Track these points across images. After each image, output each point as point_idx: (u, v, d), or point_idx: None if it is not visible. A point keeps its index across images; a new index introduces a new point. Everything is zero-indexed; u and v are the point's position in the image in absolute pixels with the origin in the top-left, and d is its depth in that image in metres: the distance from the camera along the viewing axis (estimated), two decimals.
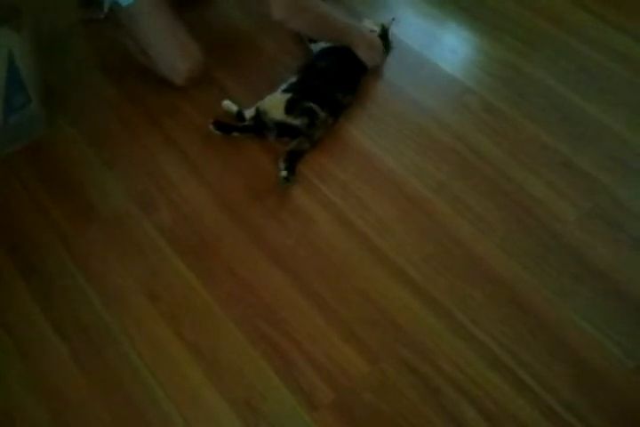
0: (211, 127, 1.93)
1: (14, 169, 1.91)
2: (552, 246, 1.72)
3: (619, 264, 1.69)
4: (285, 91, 1.92)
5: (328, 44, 2.09)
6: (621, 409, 1.47)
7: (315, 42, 2.14)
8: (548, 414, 1.45)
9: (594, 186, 1.84)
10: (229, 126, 1.94)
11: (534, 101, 2.05)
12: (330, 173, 1.86)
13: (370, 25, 2.16)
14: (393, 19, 2.19)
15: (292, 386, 1.49)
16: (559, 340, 1.56)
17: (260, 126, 1.92)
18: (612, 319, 1.59)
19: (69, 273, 1.70)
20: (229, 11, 2.36)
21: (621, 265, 1.69)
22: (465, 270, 1.68)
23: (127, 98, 2.09)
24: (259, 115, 1.90)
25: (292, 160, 1.85)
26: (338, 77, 2.00)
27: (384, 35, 2.14)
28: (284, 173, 1.81)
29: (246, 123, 1.93)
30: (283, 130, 1.89)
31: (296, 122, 1.87)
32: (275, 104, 1.89)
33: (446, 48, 2.24)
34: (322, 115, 1.89)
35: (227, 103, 1.98)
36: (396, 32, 2.19)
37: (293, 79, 1.98)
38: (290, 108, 1.87)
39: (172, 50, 1.99)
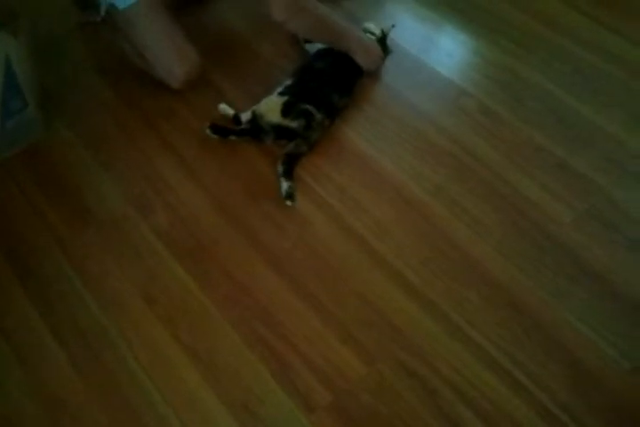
0: (207, 131, 1.93)
1: (11, 173, 1.91)
2: (548, 248, 1.72)
3: (614, 265, 1.69)
4: (281, 93, 1.93)
5: (324, 46, 2.09)
6: (617, 410, 1.47)
7: (310, 42, 2.14)
8: (543, 414, 1.46)
9: (589, 188, 1.84)
10: (226, 130, 1.95)
11: (530, 104, 2.05)
12: (327, 176, 1.87)
13: (371, 28, 2.16)
14: (393, 25, 2.20)
15: (289, 389, 1.49)
16: (555, 341, 1.56)
17: (256, 130, 1.92)
18: (607, 320, 1.60)
19: (66, 277, 1.70)
20: (226, 14, 2.36)
21: (617, 266, 1.69)
22: (461, 273, 1.68)
23: (124, 101, 2.09)
24: (255, 118, 1.90)
25: (290, 163, 1.85)
26: (334, 79, 2.00)
27: (382, 40, 2.15)
28: (284, 185, 1.81)
29: (243, 126, 1.94)
30: (279, 133, 1.90)
31: (293, 124, 1.87)
32: (271, 107, 1.89)
33: (443, 51, 2.25)
34: (318, 117, 1.89)
35: (223, 107, 1.98)
36: (393, 36, 2.19)
37: (289, 82, 1.98)
38: (286, 110, 1.87)
39: (168, 53, 1.99)
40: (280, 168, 1.83)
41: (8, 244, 1.77)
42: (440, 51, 2.25)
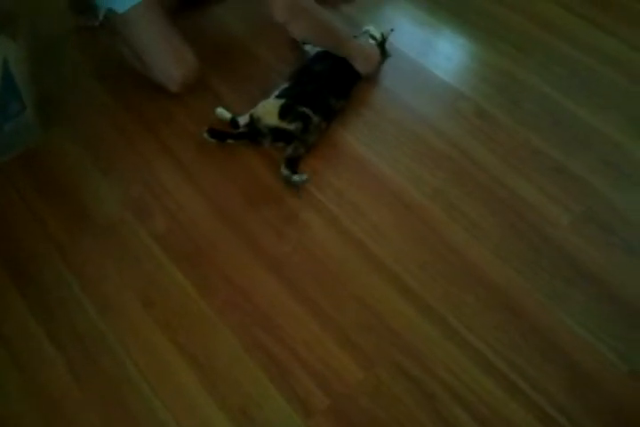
0: (205, 135, 1.93)
1: (9, 177, 1.91)
2: (545, 251, 1.73)
3: (611, 268, 1.70)
4: (279, 96, 1.93)
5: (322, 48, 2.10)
6: (615, 413, 1.47)
7: (310, 44, 2.15)
8: (541, 417, 1.46)
9: (586, 190, 1.85)
10: (224, 134, 1.95)
11: (527, 107, 2.06)
12: (325, 180, 1.87)
13: (371, 30, 2.16)
14: (392, 29, 2.20)
15: (288, 393, 1.50)
16: (552, 344, 1.57)
17: (254, 133, 1.92)
18: (605, 323, 1.60)
19: (65, 282, 1.70)
20: (224, 18, 2.36)
21: (614, 269, 1.69)
22: (459, 276, 1.69)
23: (122, 105, 2.09)
24: (252, 121, 1.90)
25: (292, 166, 1.85)
26: (331, 82, 2.01)
27: (382, 44, 2.15)
28: (296, 177, 1.83)
29: (240, 130, 1.94)
30: (277, 135, 1.90)
31: (290, 127, 1.87)
32: (268, 110, 1.89)
33: (441, 55, 2.25)
34: (315, 119, 1.89)
35: (220, 110, 1.98)
36: (392, 40, 2.20)
37: (286, 85, 1.98)
38: (283, 113, 1.87)
39: (166, 56, 2.00)
40: (285, 172, 1.84)
41: (7, 250, 1.77)
42: (438, 54, 2.26)
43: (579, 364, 1.54)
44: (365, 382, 1.52)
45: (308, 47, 2.15)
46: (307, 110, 1.89)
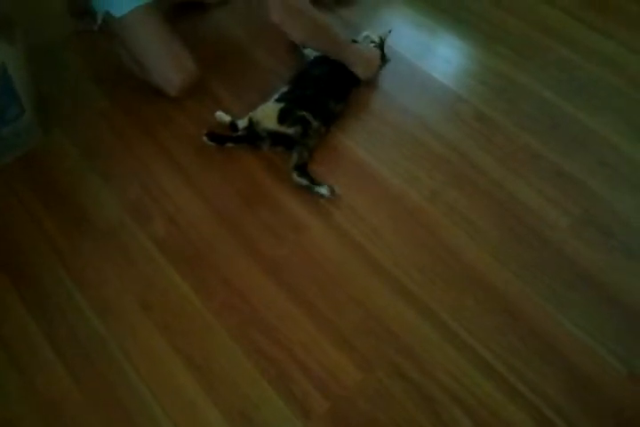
0: (204, 138, 1.93)
1: (8, 180, 1.91)
2: (544, 254, 1.73)
3: (611, 271, 1.69)
4: (278, 100, 1.93)
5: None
6: (614, 416, 1.47)
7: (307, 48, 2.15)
8: (540, 420, 1.46)
9: (585, 193, 1.85)
10: (223, 137, 1.95)
11: (525, 110, 2.06)
12: (324, 183, 1.86)
13: (370, 36, 2.17)
14: (389, 31, 2.21)
15: (286, 396, 1.49)
16: (551, 347, 1.57)
17: (253, 136, 1.92)
18: (604, 326, 1.60)
19: (65, 286, 1.69)
20: (223, 22, 2.37)
21: (613, 272, 1.69)
22: (458, 279, 1.69)
23: (121, 108, 2.09)
24: (252, 125, 1.90)
25: (306, 172, 1.85)
26: (330, 86, 2.01)
27: (380, 47, 2.16)
28: (322, 190, 1.82)
29: (239, 133, 1.94)
30: (276, 139, 1.90)
31: (289, 131, 1.87)
32: (267, 114, 1.90)
33: (440, 58, 2.26)
34: (315, 123, 1.89)
35: (219, 114, 1.98)
36: (390, 43, 2.21)
37: (285, 89, 1.98)
38: (282, 117, 1.87)
39: (165, 60, 2.00)
40: (302, 180, 1.83)
41: (5, 252, 1.77)
42: (437, 57, 2.26)
43: (578, 367, 1.54)
44: (364, 385, 1.51)
45: (307, 51, 2.15)
46: (306, 114, 1.89)
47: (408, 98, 2.10)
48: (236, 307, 1.64)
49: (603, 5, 2.40)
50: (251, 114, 1.92)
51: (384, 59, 2.18)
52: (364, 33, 2.19)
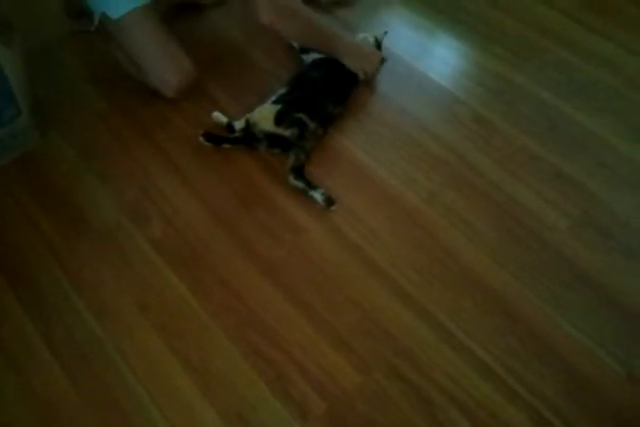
0: (201, 139, 1.93)
1: (5, 182, 1.91)
2: (543, 255, 1.72)
3: (610, 272, 1.69)
4: (275, 102, 1.93)
5: (320, 56, 2.10)
6: (613, 417, 1.47)
7: (306, 53, 2.14)
8: (539, 421, 1.45)
9: (584, 194, 1.84)
10: (220, 138, 1.95)
11: (523, 111, 2.06)
12: (322, 185, 1.85)
13: (366, 38, 2.17)
14: (385, 32, 2.21)
15: (284, 397, 1.49)
16: (550, 348, 1.56)
17: (250, 138, 1.92)
18: (603, 327, 1.59)
19: (62, 287, 1.69)
20: (220, 23, 2.37)
21: (612, 273, 1.69)
22: (456, 281, 1.68)
23: (118, 110, 2.09)
24: (248, 126, 1.90)
25: (302, 175, 1.84)
26: (328, 88, 2.01)
27: (377, 48, 2.16)
28: (316, 195, 1.81)
29: (236, 134, 1.94)
30: (273, 141, 1.90)
31: (286, 133, 1.87)
32: (264, 115, 1.89)
33: (437, 59, 2.26)
34: (311, 126, 1.89)
35: (216, 115, 1.98)
36: (387, 44, 2.20)
37: (283, 90, 1.98)
38: (279, 119, 1.87)
39: (161, 62, 1.99)
40: (298, 183, 1.83)
41: (2, 253, 1.77)
42: (434, 58, 2.26)
43: (576, 368, 1.53)
44: (362, 387, 1.51)
45: (304, 57, 2.15)
46: (303, 116, 1.88)
47: (406, 99, 2.10)
48: (234, 308, 1.64)
49: (601, 7, 2.40)
50: (248, 115, 1.92)
51: (381, 60, 2.17)
52: (361, 35, 2.19)
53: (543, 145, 1.96)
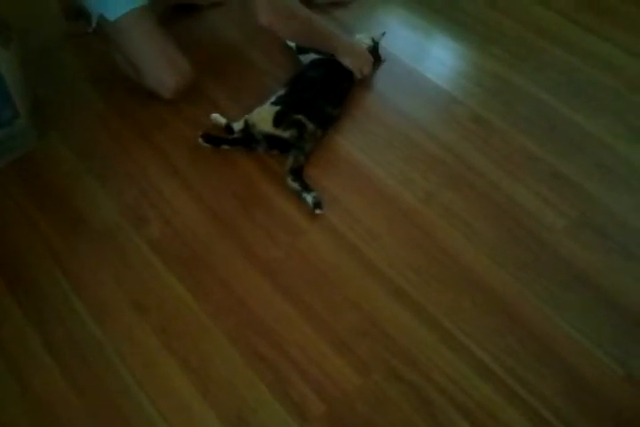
0: (200, 140, 1.93)
1: (4, 184, 1.91)
2: (541, 256, 1.72)
3: (608, 272, 1.69)
4: (274, 103, 1.93)
5: (318, 56, 2.10)
6: (612, 417, 1.46)
7: (304, 53, 2.15)
8: (538, 422, 1.45)
9: (582, 195, 1.85)
10: (218, 139, 1.95)
11: (521, 112, 2.06)
12: (320, 185, 1.86)
13: (362, 39, 2.17)
14: (383, 33, 2.21)
15: (283, 398, 1.49)
16: (549, 348, 1.56)
17: (248, 139, 1.92)
18: (601, 328, 1.59)
19: (61, 288, 1.69)
20: (217, 24, 2.37)
21: (611, 273, 1.69)
22: (455, 281, 1.68)
23: (116, 111, 2.09)
24: (247, 127, 1.90)
25: (300, 177, 1.84)
26: (326, 89, 2.01)
27: (375, 48, 2.16)
28: (308, 198, 1.80)
29: (235, 135, 1.94)
30: (271, 142, 1.90)
31: (285, 134, 1.87)
32: (263, 117, 1.89)
33: (435, 59, 2.26)
34: (310, 127, 1.89)
35: (215, 116, 1.98)
36: (385, 44, 2.21)
37: (281, 91, 1.98)
38: (278, 120, 1.87)
39: (159, 63, 1.99)
40: (294, 185, 1.83)
41: (1, 255, 1.76)
42: (432, 59, 2.26)
43: (576, 368, 1.53)
44: (361, 388, 1.51)
45: (302, 57, 2.16)
46: (302, 118, 1.88)
47: (403, 99, 2.10)
48: (233, 309, 1.64)
49: (599, 7, 2.41)
50: (246, 116, 1.92)
51: (379, 59, 2.18)
52: (358, 35, 2.19)
53: (541, 145, 1.96)
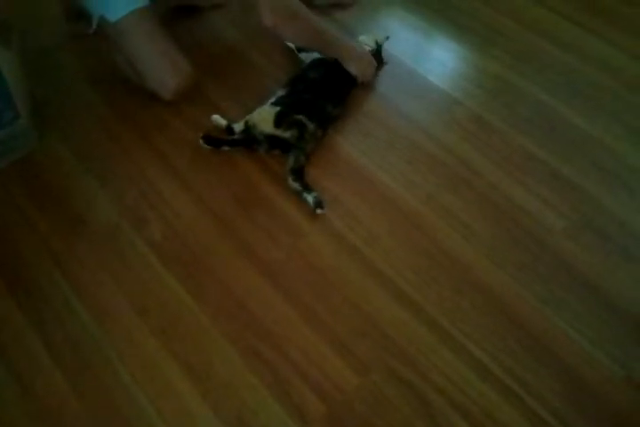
0: (200, 142, 1.93)
1: (4, 184, 1.90)
2: (541, 257, 1.73)
3: (607, 274, 1.69)
4: (274, 104, 1.93)
5: (318, 56, 2.10)
6: (611, 418, 1.47)
7: (305, 52, 2.15)
8: (537, 423, 1.45)
9: (582, 196, 1.85)
10: (219, 140, 1.95)
11: (521, 113, 2.06)
12: (320, 186, 1.86)
13: (365, 40, 2.17)
14: (387, 37, 2.22)
15: (284, 400, 1.49)
16: (548, 349, 1.56)
17: (249, 140, 1.92)
18: (600, 329, 1.60)
19: (61, 290, 1.68)
20: (218, 25, 2.37)
21: (610, 274, 1.69)
22: (454, 282, 1.68)
23: (117, 113, 2.09)
24: (248, 128, 1.90)
25: (301, 177, 1.85)
26: (327, 89, 2.01)
27: (378, 51, 2.16)
28: (309, 198, 1.80)
29: (236, 136, 1.94)
30: (272, 143, 1.90)
31: (285, 135, 1.87)
32: (264, 117, 1.89)
33: (436, 61, 2.26)
34: (311, 127, 1.89)
35: (216, 117, 1.98)
36: (386, 46, 2.21)
37: (282, 92, 1.99)
38: (279, 121, 1.87)
39: (160, 65, 1.99)
40: (295, 185, 1.83)
41: (1, 256, 1.76)
42: (433, 61, 2.27)
43: (575, 369, 1.54)
44: (361, 389, 1.51)
45: (303, 55, 2.16)
46: (302, 118, 1.88)
47: (404, 101, 2.10)
48: (233, 311, 1.64)
49: (597, 8, 2.41)
50: (247, 117, 1.92)
51: (381, 62, 2.18)
52: (362, 36, 2.20)
53: (541, 146, 1.96)
